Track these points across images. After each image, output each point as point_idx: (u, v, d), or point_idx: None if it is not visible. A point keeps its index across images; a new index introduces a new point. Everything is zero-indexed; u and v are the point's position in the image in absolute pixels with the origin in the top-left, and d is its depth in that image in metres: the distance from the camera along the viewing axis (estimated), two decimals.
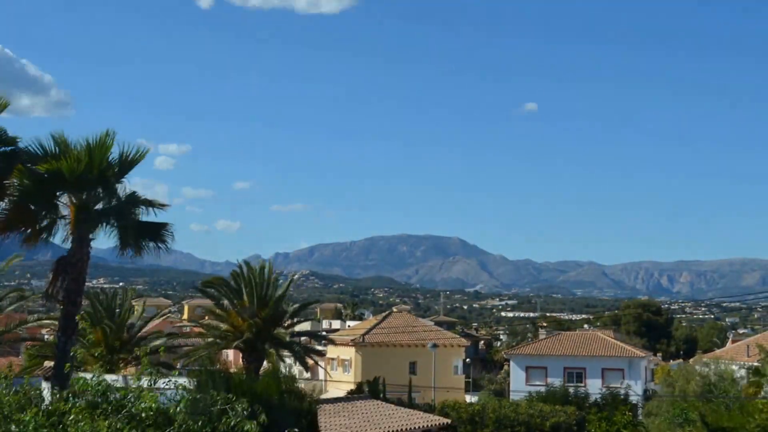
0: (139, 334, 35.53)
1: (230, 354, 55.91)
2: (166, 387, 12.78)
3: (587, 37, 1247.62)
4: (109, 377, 13.64)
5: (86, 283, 22.24)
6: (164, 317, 46.16)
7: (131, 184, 21.50)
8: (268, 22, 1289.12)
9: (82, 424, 10.87)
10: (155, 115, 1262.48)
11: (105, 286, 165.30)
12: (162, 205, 21.75)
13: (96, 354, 32.77)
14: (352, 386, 47.04)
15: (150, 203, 21.63)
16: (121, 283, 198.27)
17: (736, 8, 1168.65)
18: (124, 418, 11.30)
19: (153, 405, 11.43)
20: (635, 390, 50.12)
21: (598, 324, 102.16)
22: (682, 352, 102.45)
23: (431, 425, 29.14)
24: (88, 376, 12.02)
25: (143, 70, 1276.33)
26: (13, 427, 10.92)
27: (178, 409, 11.67)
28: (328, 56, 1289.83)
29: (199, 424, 11.68)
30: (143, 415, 11.40)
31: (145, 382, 12.18)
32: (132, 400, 11.62)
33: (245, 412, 12.23)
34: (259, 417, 12.32)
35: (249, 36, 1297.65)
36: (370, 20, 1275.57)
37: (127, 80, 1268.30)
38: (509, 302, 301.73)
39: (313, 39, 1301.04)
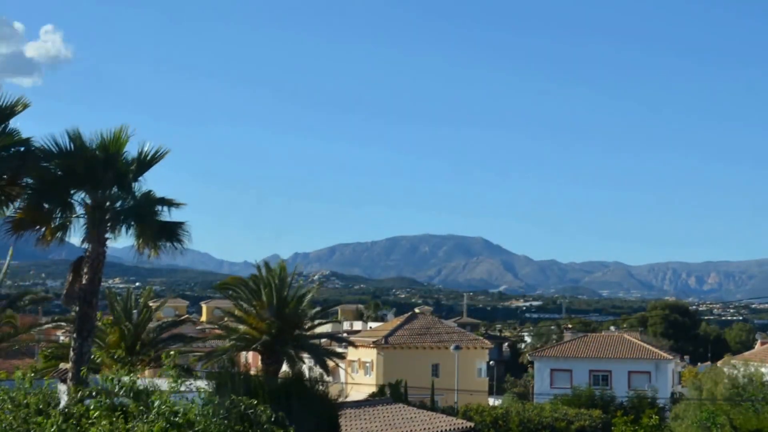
0: (158, 336, 35.23)
1: (249, 356, 55.69)
2: (187, 390, 12.46)
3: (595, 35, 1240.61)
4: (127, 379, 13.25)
5: (102, 284, 21.92)
6: (183, 319, 46.01)
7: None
8: None
9: (101, 426, 10.55)
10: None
11: (121, 286, 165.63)
12: (178, 204, 21.35)
13: (115, 356, 32.49)
14: (374, 389, 46.63)
15: (166, 202, 21.20)
16: (137, 284, 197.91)
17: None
18: (149, 422, 10.83)
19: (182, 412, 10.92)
20: (662, 393, 49.24)
21: (625, 326, 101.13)
22: (710, 355, 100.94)
23: (454, 429, 28.81)
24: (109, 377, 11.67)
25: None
26: (32, 430, 10.70)
27: (198, 412, 11.21)
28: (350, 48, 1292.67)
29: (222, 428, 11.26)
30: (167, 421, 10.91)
31: (165, 384, 11.82)
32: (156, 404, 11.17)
33: (271, 419, 11.82)
34: (284, 423, 11.91)
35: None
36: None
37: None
38: (534, 303, 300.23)
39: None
